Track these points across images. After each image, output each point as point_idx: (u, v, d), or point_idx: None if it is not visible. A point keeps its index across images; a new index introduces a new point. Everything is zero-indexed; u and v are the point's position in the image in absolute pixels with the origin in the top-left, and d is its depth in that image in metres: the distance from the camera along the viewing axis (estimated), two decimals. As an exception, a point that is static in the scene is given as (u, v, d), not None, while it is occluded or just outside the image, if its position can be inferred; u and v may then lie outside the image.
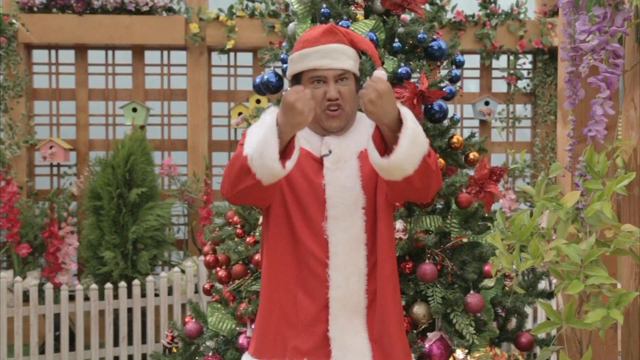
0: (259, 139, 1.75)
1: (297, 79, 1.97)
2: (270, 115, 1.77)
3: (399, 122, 1.78)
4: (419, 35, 2.65)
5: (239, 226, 2.77)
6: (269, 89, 2.80)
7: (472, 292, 2.48)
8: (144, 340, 4.48)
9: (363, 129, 1.97)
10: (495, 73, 5.82)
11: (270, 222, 1.95)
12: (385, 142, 1.82)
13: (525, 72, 5.85)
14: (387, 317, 1.94)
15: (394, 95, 1.79)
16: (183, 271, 4.72)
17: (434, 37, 2.72)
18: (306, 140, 1.96)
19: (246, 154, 1.76)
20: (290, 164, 1.77)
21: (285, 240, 1.93)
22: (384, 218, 1.96)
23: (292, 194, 1.93)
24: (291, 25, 2.74)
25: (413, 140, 1.77)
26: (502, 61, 5.80)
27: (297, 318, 1.90)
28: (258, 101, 5.37)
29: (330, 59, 1.91)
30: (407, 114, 1.80)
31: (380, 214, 1.95)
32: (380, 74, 1.80)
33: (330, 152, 1.94)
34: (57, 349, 4.37)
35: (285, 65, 2.69)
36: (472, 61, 5.76)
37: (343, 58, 1.93)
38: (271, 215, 1.94)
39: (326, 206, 1.92)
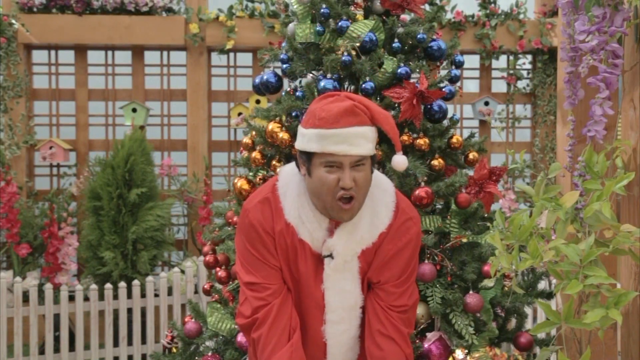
0: None
1: (307, 154, 1.80)
2: None
3: None
4: (418, 36, 2.65)
5: (238, 226, 2.77)
6: (269, 89, 2.80)
7: (471, 292, 2.48)
8: (143, 340, 4.48)
9: (370, 219, 1.88)
10: (495, 73, 5.82)
11: None
12: None
13: (525, 72, 5.85)
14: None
15: None
16: (183, 271, 4.72)
17: (434, 37, 2.72)
18: (308, 231, 1.86)
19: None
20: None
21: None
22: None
23: (292, 286, 1.91)
24: (291, 25, 2.74)
25: None
26: (501, 61, 5.80)
27: None
28: (258, 101, 5.37)
29: (349, 144, 1.74)
30: None
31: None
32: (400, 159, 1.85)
33: (332, 257, 1.87)
34: (56, 349, 4.37)
35: (285, 66, 2.69)
36: (472, 61, 5.76)
37: (363, 143, 1.76)
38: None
39: (325, 310, 1.90)
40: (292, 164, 1.96)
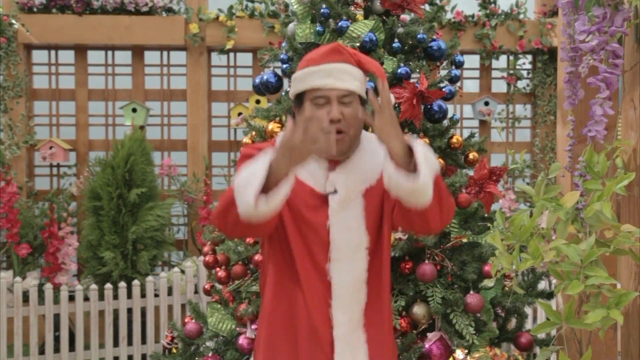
0: (249, 170, 1.69)
1: (300, 99, 1.87)
2: (267, 154, 1.70)
3: (408, 150, 1.73)
4: (418, 36, 2.65)
5: (238, 226, 2.77)
6: (269, 89, 2.80)
7: (471, 292, 2.48)
8: (143, 340, 4.48)
9: (370, 159, 1.91)
10: (495, 73, 5.82)
11: (275, 254, 1.92)
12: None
13: (525, 73, 5.85)
14: (384, 346, 1.96)
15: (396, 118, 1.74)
16: (183, 271, 4.72)
17: (434, 37, 2.72)
18: (309, 173, 1.88)
19: (232, 185, 1.71)
20: (265, 205, 1.66)
21: (288, 277, 1.90)
22: (384, 255, 1.95)
23: (296, 230, 1.88)
24: (291, 25, 2.74)
25: (427, 160, 1.70)
26: (501, 61, 5.80)
27: (299, 355, 1.89)
28: (258, 101, 5.37)
29: (334, 78, 1.82)
30: (412, 139, 1.75)
31: (382, 252, 1.94)
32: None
33: (336, 191, 1.87)
34: (56, 349, 4.37)
35: (285, 66, 2.69)
36: (472, 61, 5.76)
37: (348, 78, 1.83)
38: (275, 248, 1.92)
39: (330, 248, 1.88)
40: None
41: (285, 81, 2.79)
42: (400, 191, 1.73)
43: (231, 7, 5.48)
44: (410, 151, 1.73)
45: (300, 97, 1.88)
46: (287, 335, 1.91)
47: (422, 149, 1.72)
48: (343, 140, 1.83)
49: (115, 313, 4.47)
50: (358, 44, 2.57)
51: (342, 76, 1.83)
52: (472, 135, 2.84)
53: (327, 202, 1.88)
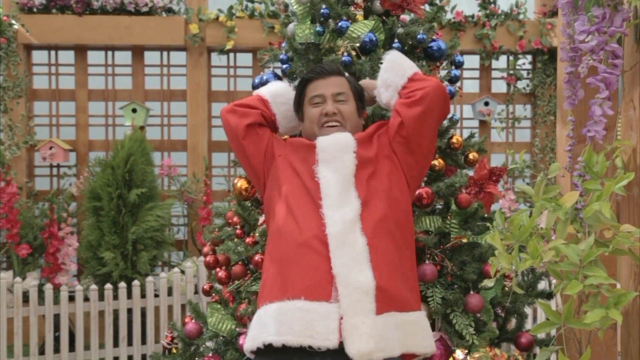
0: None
1: (299, 103, 2.21)
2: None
3: None
4: (418, 36, 2.65)
5: (238, 227, 2.77)
6: (269, 89, 2.80)
7: (471, 292, 2.48)
8: (143, 340, 4.48)
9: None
10: (494, 73, 5.82)
11: (275, 189, 2.08)
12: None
13: (524, 73, 5.85)
14: (390, 261, 1.95)
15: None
16: (183, 272, 4.72)
17: (434, 37, 2.72)
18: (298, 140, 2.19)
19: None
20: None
21: (284, 198, 2.02)
22: (383, 169, 2.04)
23: (289, 162, 2.08)
24: (290, 25, 2.74)
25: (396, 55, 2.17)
26: (501, 61, 5.80)
27: (296, 260, 1.92)
28: (258, 102, 5.36)
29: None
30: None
31: (379, 165, 2.05)
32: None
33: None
34: (56, 349, 4.37)
35: (284, 66, 2.69)
36: (472, 61, 5.76)
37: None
38: (275, 183, 2.09)
39: (316, 151, 2.04)
40: None
41: (285, 81, 2.78)
42: (386, 79, 2.12)
43: (231, 8, 5.48)
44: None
45: (299, 102, 2.20)
46: (284, 250, 1.96)
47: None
48: (340, 128, 2.09)
49: (115, 313, 4.47)
50: (358, 44, 2.57)
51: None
52: (472, 136, 2.84)
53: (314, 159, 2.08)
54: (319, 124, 2.10)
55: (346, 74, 2.27)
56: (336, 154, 2.02)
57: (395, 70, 2.13)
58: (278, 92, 2.23)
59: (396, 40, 2.65)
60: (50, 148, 5.39)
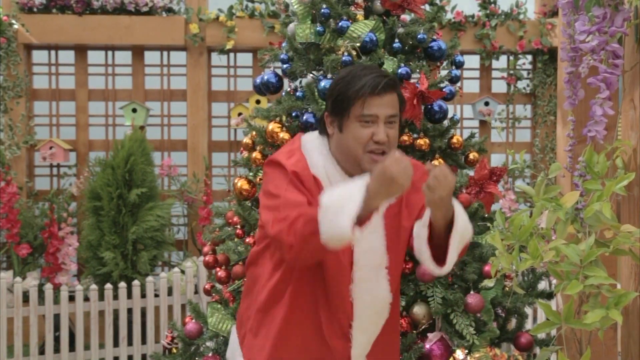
0: (342, 194, 1.64)
1: (340, 109, 1.86)
2: (360, 181, 1.66)
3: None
4: (418, 36, 2.65)
5: (238, 227, 2.77)
6: (269, 89, 2.80)
7: (472, 292, 2.49)
8: (143, 340, 4.48)
9: None
10: (495, 73, 5.82)
11: (293, 277, 1.88)
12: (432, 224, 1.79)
13: (525, 73, 5.85)
14: (393, 334, 2.01)
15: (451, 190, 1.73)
16: (183, 272, 4.72)
17: (434, 37, 2.72)
18: (331, 184, 1.86)
19: (305, 211, 1.69)
20: (359, 233, 1.63)
21: (306, 298, 1.88)
22: (400, 274, 2.00)
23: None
24: (291, 25, 2.74)
25: (462, 238, 1.80)
26: (502, 62, 5.80)
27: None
28: (258, 102, 5.36)
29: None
30: (458, 210, 1.78)
31: (399, 272, 1.98)
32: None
33: None
34: (57, 349, 4.37)
35: (285, 66, 2.69)
36: (472, 61, 5.76)
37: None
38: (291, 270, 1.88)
39: (354, 268, 1.88)
40: (310, 133, 2.01)
41: (286, 81, 2.78)
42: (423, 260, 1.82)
43: (231, 7, 5.47)
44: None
45: (341, 109, 1.85)
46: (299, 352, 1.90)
47: (461, 225, 1.77)
48: (384, 156, 1.81)
49: (115, 313, 4.47)
50: (358, 44, 2.57)
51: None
52: (472, 136, 2.84)
53: None
54: (365, 148, 1.83)
55: (398, 85, 1.96)
56: (371, 273, 1.89)
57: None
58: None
59: (396, 40, 2.65)
60: (51, 148, 5.39)
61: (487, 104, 5.64)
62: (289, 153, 1.90)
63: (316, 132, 1.99)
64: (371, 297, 1.90)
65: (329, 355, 1.90)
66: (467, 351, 2.41)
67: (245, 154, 2.83)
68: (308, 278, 1.86)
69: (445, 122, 2.69)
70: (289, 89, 2.74)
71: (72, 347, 4.39)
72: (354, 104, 1.83)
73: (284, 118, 2.69)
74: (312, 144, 1.94)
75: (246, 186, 2.67)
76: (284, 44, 2.76)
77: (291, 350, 1.90)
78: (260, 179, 2.69)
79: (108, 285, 4.36)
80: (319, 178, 1.86)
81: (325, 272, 1.86)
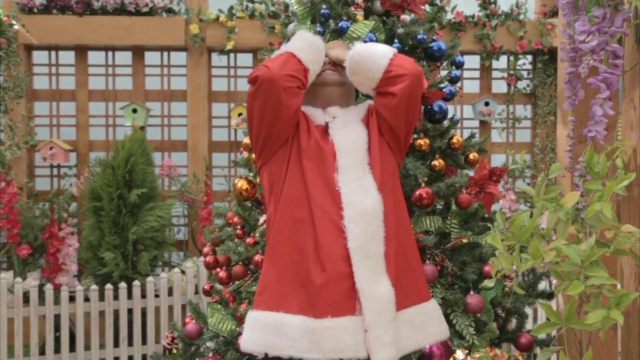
0: (300, 40, 2.03)
1: None
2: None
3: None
4: (418, 36, 2.65)
5: (239, 227, 2.77)
6: (269, 89, 2.79)
7: (472, 292, 2.49)
8: (144, 341, 4.48)
9: (362, 106, 2.14)
10: (495, 74, 5.82)
11: (284, 185, 1.98)
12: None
13: (525, 73, 5.85)
14: (401, 260, 1.97)
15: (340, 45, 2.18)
16: (183, 272, 4.72)
17: (434, 37, 2.72)
18: (309, 113, 2.07)
19: (291, 51, 1.99)
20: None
21: (299, 201, 1.94)
22: (390, 172, 2.03)
23: (304, 155, 1.98)
24: (291, 26, 2.74)
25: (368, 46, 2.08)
26: (502, 62, 5.80)
27: (315, 278, 1.87)
28: (258, 102, 5.36)
29: None
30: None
31: (387, 168, 2.02)
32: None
33: (334, 118, 2.05)
34: (57, 349, 4.37)
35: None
36: (472, 62, 5.76)
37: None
38: (285, 177, 1.98)
39: (336, 158, 1.97)
40: None
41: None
42: (361, 68, 2.03)
43: (231, 8, 5.48)
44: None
45: None
46: (298, 261, 1.91)
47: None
48: (335, 72, 2.10)
49: (116, 313, 4.47)
50: (358, 45, 2.56)
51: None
52: (472, 136, 2.84)
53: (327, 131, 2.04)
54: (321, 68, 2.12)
55: None
56: (357, 162, 1.98)
57: (363, 71, 2.06)
58: (311, 49, 2.06)
59: (396, 41, 2.65)
60: (51, 148, 5.39)
61: (487, 104, 5.64)
62: None
63: None
64: (358, 186, 1.94)
65: (330, 257, 1.89)
66: (467, 351, 2.41)
67: (246, 154, 2.83)
68: (298, 178, 1.97)
69: (446, 123, 2.69)
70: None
71: (72, 347, 4.39)
72: None
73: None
74: None
75: (246, 186, 2.67)
76: (283, 44, 2.76)
77: (292, 263, 1.92)
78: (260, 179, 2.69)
79: (108, 286, 4.36)
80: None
81: (310, 163, 1.97)
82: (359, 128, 2.05)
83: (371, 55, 2.03)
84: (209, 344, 2.72)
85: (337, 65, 2.11)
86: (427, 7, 5.12)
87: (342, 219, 1.91)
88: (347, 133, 2.02)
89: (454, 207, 2.61)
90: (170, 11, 5.48)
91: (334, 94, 2.09)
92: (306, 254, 1.90)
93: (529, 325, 3.85)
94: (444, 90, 2.63)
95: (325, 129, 2.04)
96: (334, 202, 1.93)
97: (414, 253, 2.05)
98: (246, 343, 2.00)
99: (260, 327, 1.95)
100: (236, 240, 2.76)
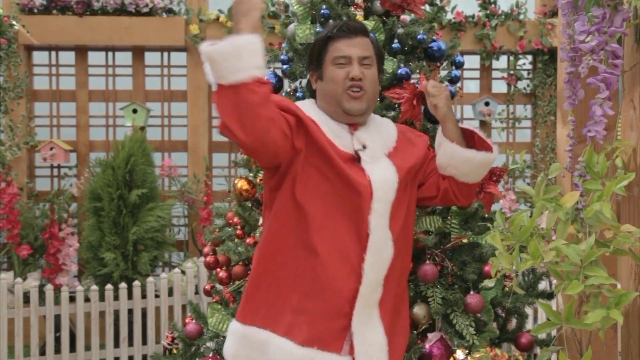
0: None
1: (319, 61, 1.98)
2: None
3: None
4: (418, 36, 2.65)
5: (239, 227, 2.77)
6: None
7: (472, 292, 2.48)
8: (144, 341, 4.48)
9: (383, 127, 2.03)
10: (495, 74, 5.82)
11: (302, 209, 1.86)
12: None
13: (525, 73, 5.85)
14: (394, 307, 1.97)
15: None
16: (183, 272, 4.72)
17: (434, 37, 2.72)
18: (335, 134, 1.92)
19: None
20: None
21: (317, 227, 1.85)
22: (410, 216, 2.00)
23: (329, 183, 1.86)
24: (291, 26, 2.74)
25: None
26: (502, 62, 5.80)
27: (315, 307, 1.85)
28: (258, 102, 5.36)
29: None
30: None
31: (408, 211, 1.98)
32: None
33: (364, 147, 1.94)
34: (57, 350, 4.37)
35: (285, 66, 2.69)
36: (472, 62, 5.76)
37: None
38: (302, 203, 1.86)
39: (372, 199, 1.88)
40: (301, 101, 2.07)
41: (286, 82, 2.78)
42: (465, 166, 1.97)
43: (231, 8, 5.48)
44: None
45: (319, 60, 1.97)
46: (295, 287, 1.86)
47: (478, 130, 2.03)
48: (362, 98, 1.92)
49: (116, 314, 4.47)
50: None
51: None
52: (472, 136, 2.83)
53: (357, 160, 1.91)
54: (343, 86, 1.91)
55: (370, 35, 2.05)
56: (386, 206, 1.90)
57: (478, 168, 2.07)
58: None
59: (396, 41, 2.65)
60: (51, 149, 5.40)
61: (487, 104, 5.64)
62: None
63: (307, 99, 2.09)
64: (384, 234, 1.89)
65: (336, 293, 1.85)
66: (467, 351, 2.41)
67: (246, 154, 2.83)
68: (316, 211, 1.86)
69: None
70: (288, 90, 2.74)
71: (72, 347, 4.39)
72: (327, 50, 1.95)
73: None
74: (305, 105, 1.99)
75: (246, 187, 2.67)
76: (283, 45, 2.76)
77: (283, 289, 1.88)
78: (261, 180, 2.69)
79: (109, 286, 4.37)
80: (319, 124, 1.92)
81: (339, 203, 1.87)
82: (390, 167, 1.94)
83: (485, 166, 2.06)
84: (209, 344, 2.72)
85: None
86: (427, 7, 5.12)
87: (363, 262, 1.87)
88: (381, 171, 1.91)
89: (454, 207, 2.61)
90: (170, 11, 5.48)
91: (354, 111, 1.94)
92: (311, 282, 1.86)
93: (529, 325, 3.85)
94: (443, 90, 2.63)
95: (352, 158, 1.92)
96: (360, 245, 1.87)
97: (405, 303, 2.08)
98: (228, 355, 1.97)
99: (247, 344, 1.91)
100: (236, 240, 2.76)
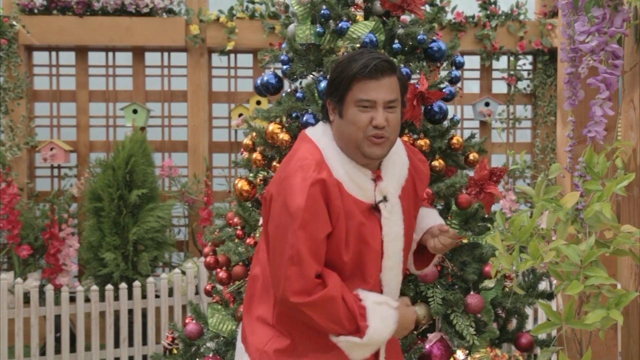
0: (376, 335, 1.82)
1: (340, 97, 1.84)
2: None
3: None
4: (418, 37, 2.65)
5: (239, 227, 2.77)
6: (269, 90, 2.80)
7: (472, 293, 2.49)
8: (144, 341, 4.48)
9: (399, 166, 1.95)
10: (495, 74, 5.82)
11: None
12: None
13: (525, 73, 5.85)
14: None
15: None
16: (183, 272, 4.72)
17: (434, 38, 2.72)
18: (358, 187, 1.85)
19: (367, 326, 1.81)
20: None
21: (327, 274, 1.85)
22: (414, 225, 2.03)
23: (350, 246, 1.84)
24: (291, 26, 2.74)
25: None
26: (502, 62, 5.80)
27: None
28: (258, 102, 5.37)
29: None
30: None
31: (413, 226, 2.01)
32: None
33: (386, 199, 1.88)
34: (57, 350, 4.37)
35: (285, 67, 2.69)
36: (472, 62, 5.76)
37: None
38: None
39: (384, 257, 1.89)
40: (315, 127, 1.96)
41: (286, 82, 2.79)
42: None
43: (232, 8, 5.48)
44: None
45: (341, 96, 1.83)
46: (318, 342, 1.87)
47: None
48: (384, 145, 1.83)
49: (116, 314, 4.47)
50: (358, 45, 2.57)
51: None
52: (472, 136, 2.84)
53: (375, 212, 1.87)
54: (365, 133, 1.80)
55: (396, 68, 1.91)
56: (397, 259, 1.92)
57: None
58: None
59: (396, 41, 2.65)
60: (51, 149, 5.40)
61: (487, 104, 5.64)
62: (318, 166, 1.83)
63: (320, 123, 1.96)
64: (396, 282, 1.93)
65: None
66: (467, 352, 2.42)
67: (246, 154, 2.84)
68: (337, 262, 1.85)
69: (446, 123, 2.69)
70: (289, 90, 2.74)
71: (72, 348, 4.39)
72: (351, 88, 1.81)
73: (284, 119, 2.69)
74: (324, 140, 1.90)
75: (246, 187, 2.67)
76: (284, 45, 2.76)
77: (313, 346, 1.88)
78: (261, 180, 2.69)
79: (109, 286, 4.37)
80: (340, 180, 1.83)
81: (359, 269, 1.87)
82: (399, 218, 1.92)
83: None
84: (210, 344, 2.73)
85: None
86: (427, 8, 5.12)
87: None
88: (394, 220, 1.90)
89: (454, 207, 2.61)
90: (170, 12, 5.48)
91: (374, 157, 1.86)
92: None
93: (529, 325, 3.85)
94: (444, 90, 2.63)
95: (371, 207, 1.87)
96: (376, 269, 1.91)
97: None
98: None
99: None
100: (236, 240, 2.76)
